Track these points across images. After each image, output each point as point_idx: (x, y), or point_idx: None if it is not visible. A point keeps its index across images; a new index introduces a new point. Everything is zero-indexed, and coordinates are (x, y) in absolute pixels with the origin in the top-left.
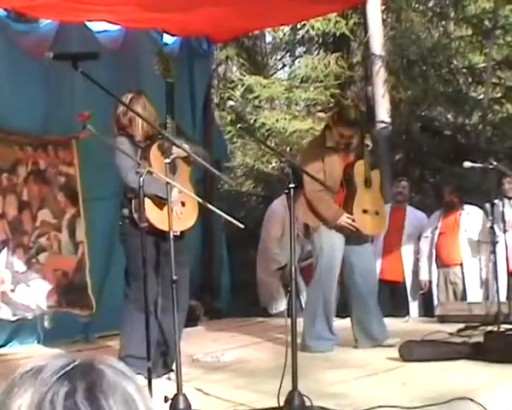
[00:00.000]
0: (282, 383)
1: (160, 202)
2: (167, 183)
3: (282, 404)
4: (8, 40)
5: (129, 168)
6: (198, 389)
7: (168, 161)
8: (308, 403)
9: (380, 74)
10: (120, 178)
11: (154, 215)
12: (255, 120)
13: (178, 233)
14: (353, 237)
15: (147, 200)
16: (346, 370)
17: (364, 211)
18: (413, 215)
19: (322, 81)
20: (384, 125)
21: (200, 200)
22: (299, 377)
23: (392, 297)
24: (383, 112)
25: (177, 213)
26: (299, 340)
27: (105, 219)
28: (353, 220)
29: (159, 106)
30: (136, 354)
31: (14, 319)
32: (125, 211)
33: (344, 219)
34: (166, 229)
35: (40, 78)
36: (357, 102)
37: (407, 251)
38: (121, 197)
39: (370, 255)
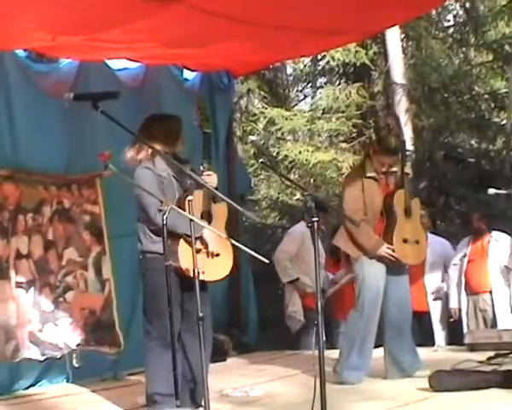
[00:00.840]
0: None
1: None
2: (191, 220)
3: None
4: (28, 81)
5: (156, 205)
6: None
7: (191, 198)
8: None
9: (401, 103)
10: (143, 213)
11: (185, 259)
12: (278, 153)
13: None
14: (393, 266)
15: (181, 242)
16: (376, 401)
17: (405, 241)
18: (435, 243)
19: (343, 111)
20: (407, 153)
21: (224, 236)
22: None
23: (419, 327)
24: (406, 140)
25: (211, 254)
26: (329, 369)
27: (130, 255)
28: (393, 250)
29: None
30: (163, 391)
31: (42, 358)
32: (151, 245)
33: (384, 250)
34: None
35: (62, 117)
36: (396, 129)
37: (432, 280)
38: (141, 231)
39: (407, 287)
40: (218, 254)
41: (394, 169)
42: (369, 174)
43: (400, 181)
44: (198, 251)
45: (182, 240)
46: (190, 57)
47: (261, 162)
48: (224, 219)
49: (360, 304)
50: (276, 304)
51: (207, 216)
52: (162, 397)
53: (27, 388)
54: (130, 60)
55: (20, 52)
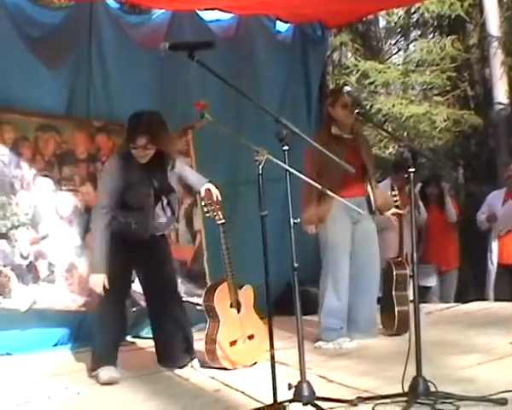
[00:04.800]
0: (406, 369)
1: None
2: (287, 170)
3: (406, 390)
4: (121, 33)
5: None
6: (321, 377)
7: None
8: (433, 389)
9: (497, 56)
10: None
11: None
12: (371, 106)
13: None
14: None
15: None
16: (470, 355)
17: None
18: None
19: (438, 64)
20: (502, 106)
21: (320, 186)
22: (423, 363)
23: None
24: (501, 93)
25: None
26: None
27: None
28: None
29: (273, 95)
30: None
31: (134, 309)
32: None
33: None
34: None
35: (154, 69)
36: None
37: None
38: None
39: (375, 251)
40: (251, 337)
41: None
42: None
43: None
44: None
45: None
46: (282, 7)
47: (357, 113)
48: (252, 301)
49: (324, 265)
50: None
51: (236, 304)
52: None
53: None
54: (222, 10)
55: (112, 3)
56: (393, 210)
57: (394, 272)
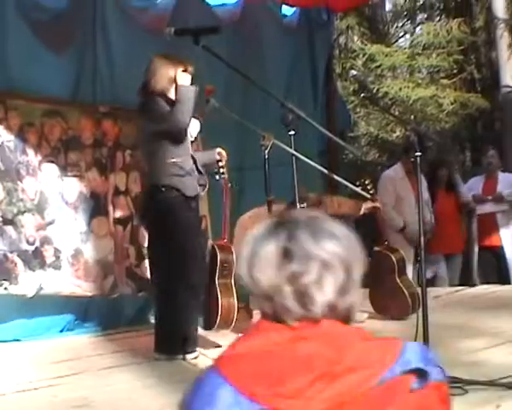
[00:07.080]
0: None
1: None
2: (293, 155)
3: None
4: (126, 17)
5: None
6: None
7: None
8: None
9: (503, 38)
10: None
11: None
12: (378, 90)
13: None
14: None
15: None
16: (477, 339)
17: None
18: (504, 179)
19: (444, 47)
20: (509, 89)
21: (326, 170)
22: (431, 347)
23: (497, 263)
24: (508, 76)
25: None
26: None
27: None
28: None
29: (279, 79)
30: None
31: (139, 294)
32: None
33: None
34: None
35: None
36: None
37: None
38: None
39: None
40: None
41: None
42: None
43: None
44: None
45: None
46: None
47: (363, 97)
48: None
49: None
50: (371, 241)
51: None
52: None
53: (126, 324)
54: None
55: None
56: (368, 205)
57: (394, 259)
